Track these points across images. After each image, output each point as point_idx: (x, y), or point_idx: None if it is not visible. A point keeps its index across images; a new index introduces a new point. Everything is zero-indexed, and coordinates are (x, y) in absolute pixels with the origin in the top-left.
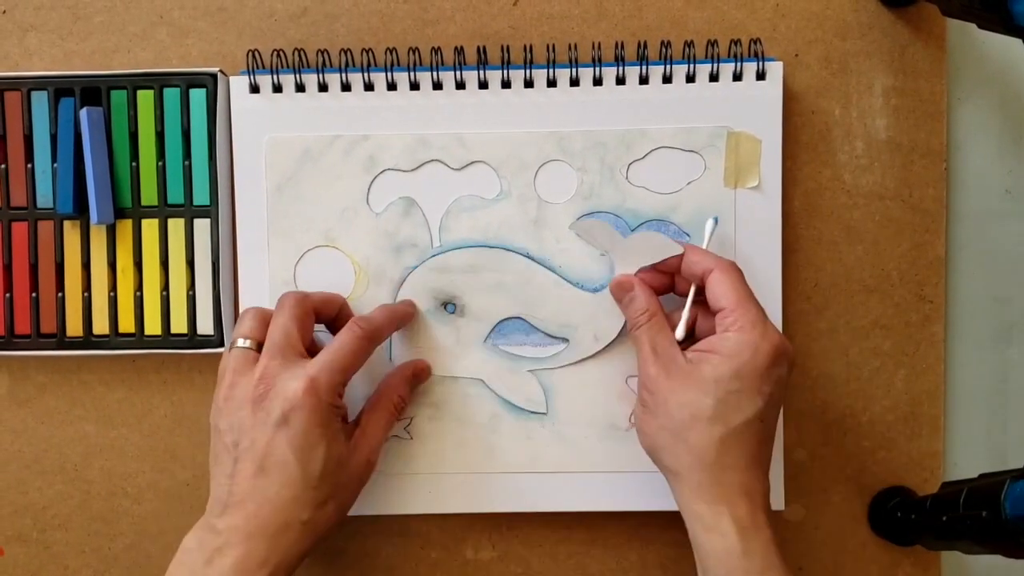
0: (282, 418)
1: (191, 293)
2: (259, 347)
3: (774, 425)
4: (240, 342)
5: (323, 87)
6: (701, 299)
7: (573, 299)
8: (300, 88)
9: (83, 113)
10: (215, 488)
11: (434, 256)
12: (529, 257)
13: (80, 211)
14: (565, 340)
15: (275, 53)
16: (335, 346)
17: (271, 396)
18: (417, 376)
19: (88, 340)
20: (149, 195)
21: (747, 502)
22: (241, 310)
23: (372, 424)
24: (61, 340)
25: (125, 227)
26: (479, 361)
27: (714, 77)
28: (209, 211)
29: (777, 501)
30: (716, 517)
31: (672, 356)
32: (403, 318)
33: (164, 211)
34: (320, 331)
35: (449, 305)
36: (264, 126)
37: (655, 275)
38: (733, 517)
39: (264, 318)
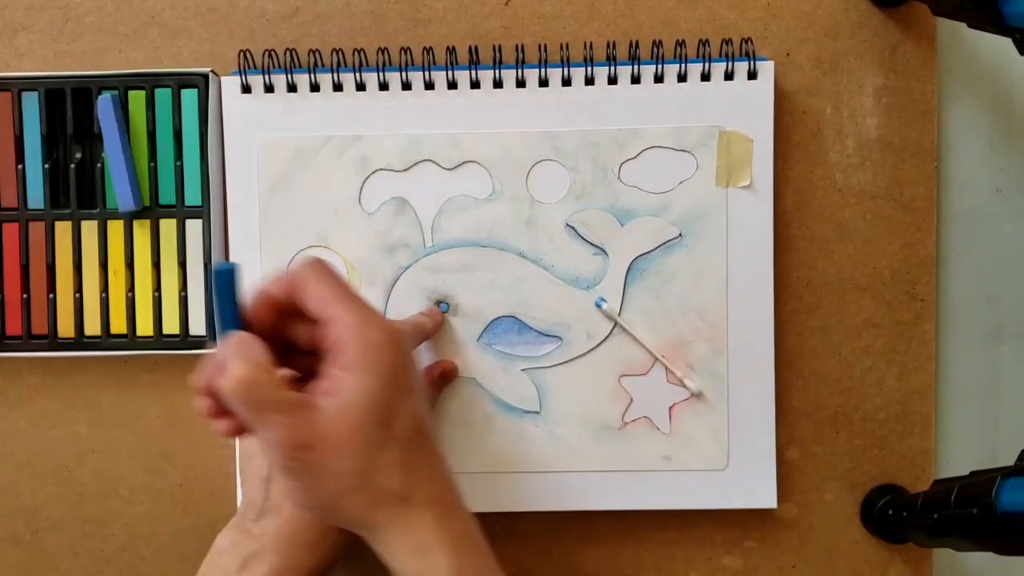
0: None
1: (183, 294)
2: None
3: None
4: None
5: (315, 87)
6: None
7: (566, 298)
8: (292, 88)
9: (102, 100)
10: (248, 491)
11: (427, 256)
12: (522, 256)
13: (80, 206)
14: (558, 339)
15: (267, 53)
16: None
17: None
18: (445, 377)
19: (80, 341)
20: (141, 196)
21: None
22: None
23: None
24: (53, 341)
25: (116, 228)
26: (472, 360)
27: (706, 76)
28: (201, 212)
29: (769, 499)
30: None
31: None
32: (432, 331)
33: (156, 212)
34: None
35: (442, 304)
36: (256, 127)
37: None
38: None
39: None
